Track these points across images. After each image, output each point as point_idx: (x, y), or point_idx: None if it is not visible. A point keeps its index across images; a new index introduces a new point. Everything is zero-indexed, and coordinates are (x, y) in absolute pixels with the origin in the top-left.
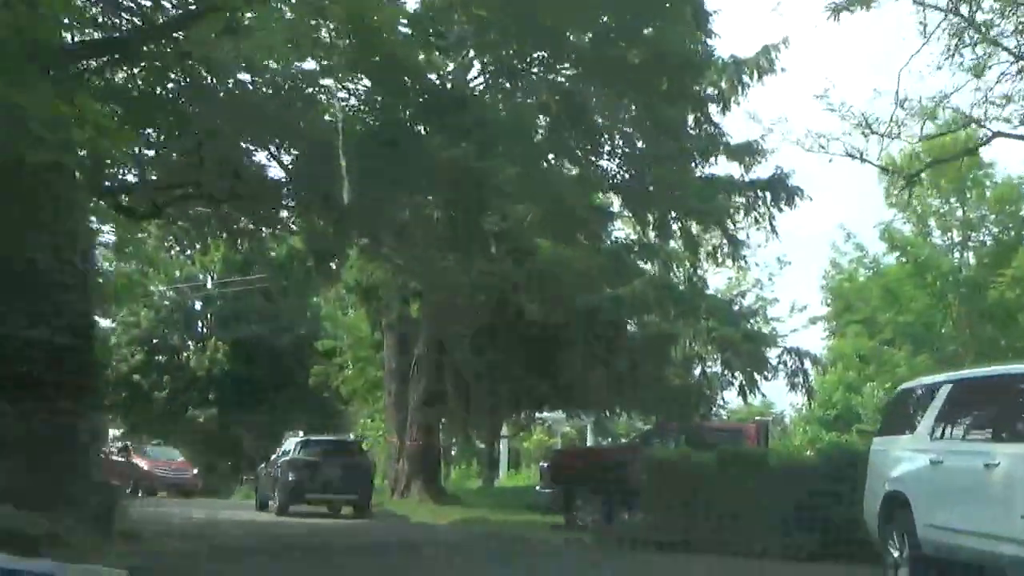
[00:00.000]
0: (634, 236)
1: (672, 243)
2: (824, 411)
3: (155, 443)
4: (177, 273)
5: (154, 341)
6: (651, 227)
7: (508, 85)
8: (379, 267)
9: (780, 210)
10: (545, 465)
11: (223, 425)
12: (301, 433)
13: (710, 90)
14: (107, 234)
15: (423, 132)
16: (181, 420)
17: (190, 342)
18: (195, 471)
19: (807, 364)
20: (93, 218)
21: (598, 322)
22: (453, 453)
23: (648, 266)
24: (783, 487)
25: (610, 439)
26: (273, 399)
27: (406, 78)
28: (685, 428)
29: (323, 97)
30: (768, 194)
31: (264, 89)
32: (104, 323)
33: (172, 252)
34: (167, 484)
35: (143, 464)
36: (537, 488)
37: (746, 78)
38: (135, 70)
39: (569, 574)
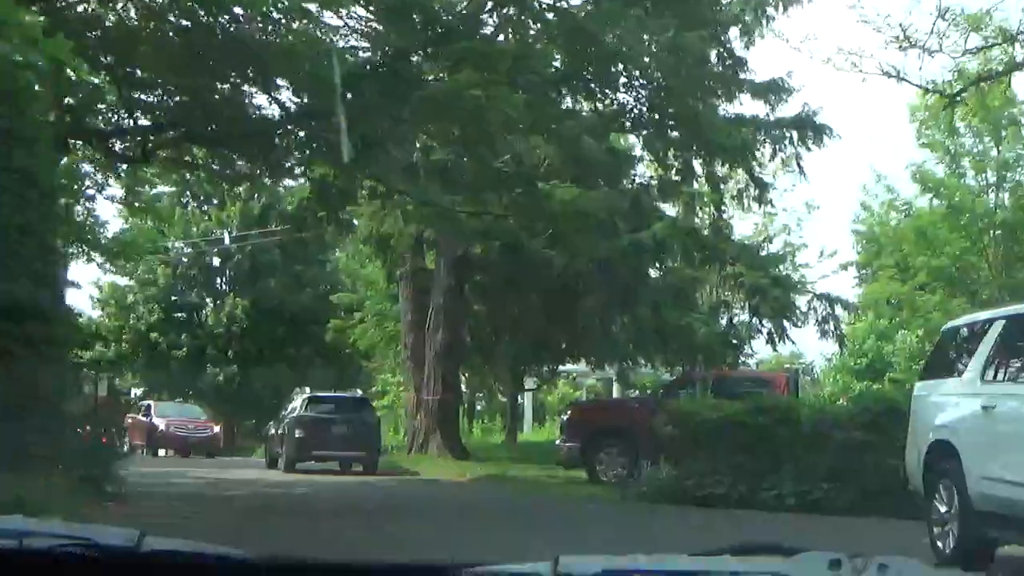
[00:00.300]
0: (655, 179)
1: (695, 185)
2: (855, 360)
3: (176, 401)
4: (194, 229)
5: (173, 299)
6: (673, 170)
7: (516, 13)
8: (391, 214)
9: (808, 149)
10: (564, 418)
11: (243, 383)
12: (308, 390)
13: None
14: (113, 186)
15: (425, 63)
16: (200, 378)
17: (209, 299)
18: (216, 429)
19: (838, 310)
20: (83, 166)
21: (618, 268)
22: (478, 408)
23: (671, 207)
24: (815, 438)
25: (636, 391)
26: (294, 356)
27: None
28: (711, 378)
29: (322, 32)
30: (795, 133)
31: (259, 23)
32: (124, 281)
33: (184, 202)
34: (187, 443)
35: (161, 423)
36: (557, 442)
37: (770, 9)
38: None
39: (588, 531)
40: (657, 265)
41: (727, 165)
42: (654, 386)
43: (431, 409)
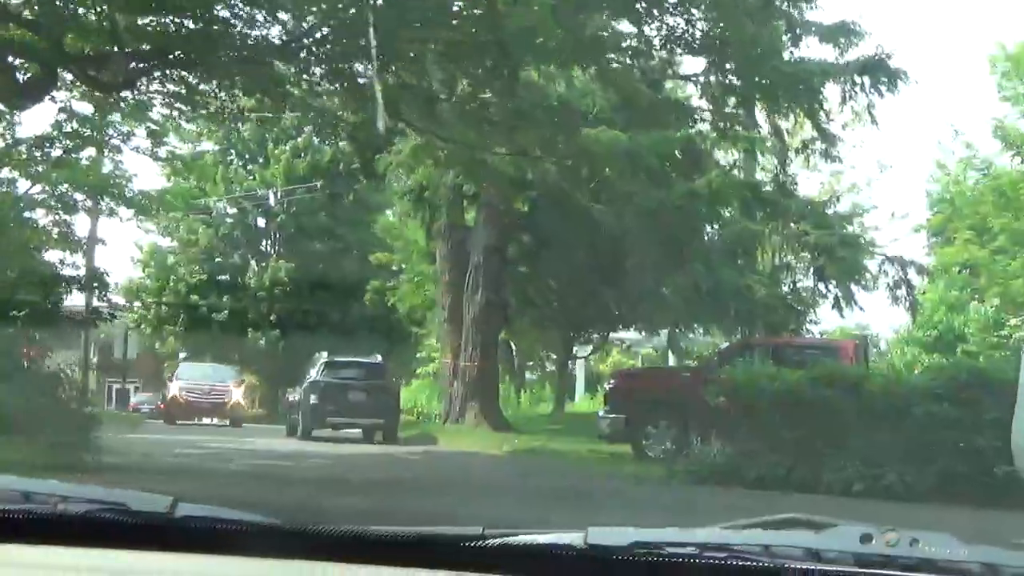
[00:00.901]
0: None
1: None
2: (924, 332)
3: (207, 362)
4: (237, 189)
5: (216, 260)
6: (731, 123)
7: None
8: (422, 161)
9: (881, 95)
10: (608, 387)
11: (287, 348)
12: (325, 354)
13: None
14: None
15: None
16: (242, 343)
17: (252, 261)
18: (237, 394)
19: (911, 274)
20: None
21: (669, 222)
22: (531, 376)
23: (729, 158)
24: (889, 412)
25: (694, 360)
26: (339, 320)
27: None
28: (771, 345)
29: None
30: (866, 79)
31: None
32: (165, 242)
33: (229, 160)
34: (198, 409)
35: (174, 388)
36: (600, 414)
37: None
38: None
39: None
40: (713, 220)
41: (791, 114)
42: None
43: (469, 376)
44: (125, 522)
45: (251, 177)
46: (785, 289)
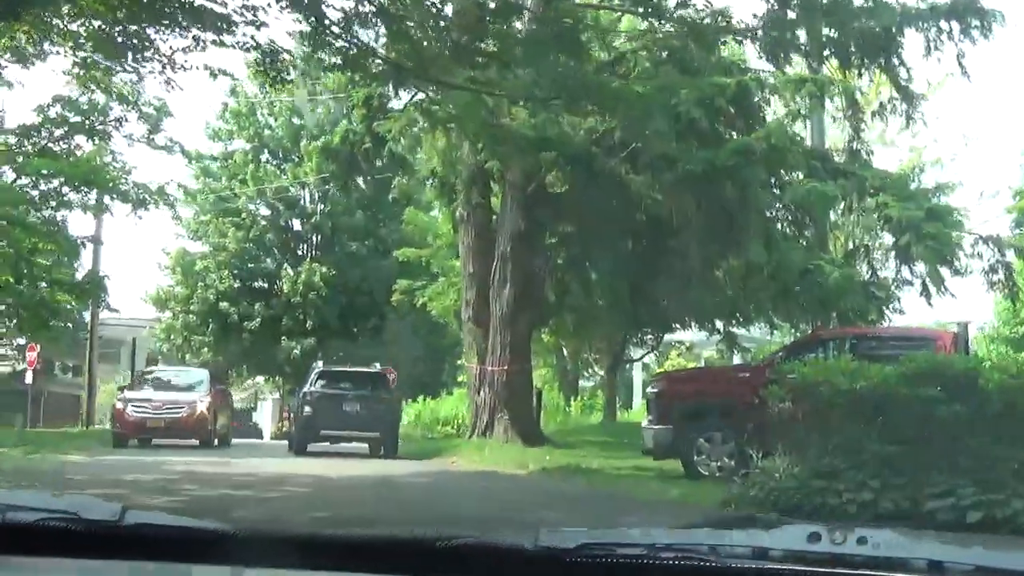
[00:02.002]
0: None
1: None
2: (1010, 329)
3: (176, 368)
4: (268, 189)
5: (248, 264)
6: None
7: None
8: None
9: (973, 41)
10: (651, 393)
11: (324, 357)
12: (320, 363)
13: None
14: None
15: None
16: (275, 352)
17: (285, 266)
18: (203, 405)
19: (1009, 256)
20: None
21: (721, 190)
22: (586, 383)
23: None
24: (1013, 420)
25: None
26: (377, 326)
27: None
28: (850, 336)
29: None
30: (954, 24)
31: None
32: (196, 247)
33: (260, 157)
34: (147, 427)
35: (117, 403)
36: (643, 425)
37: None
38: None
39: None
40: (773, 185)
41: (864, 70)
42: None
43: (497, 382)
44: (75, 530)
45: (283, 175)
46: (863, 272)
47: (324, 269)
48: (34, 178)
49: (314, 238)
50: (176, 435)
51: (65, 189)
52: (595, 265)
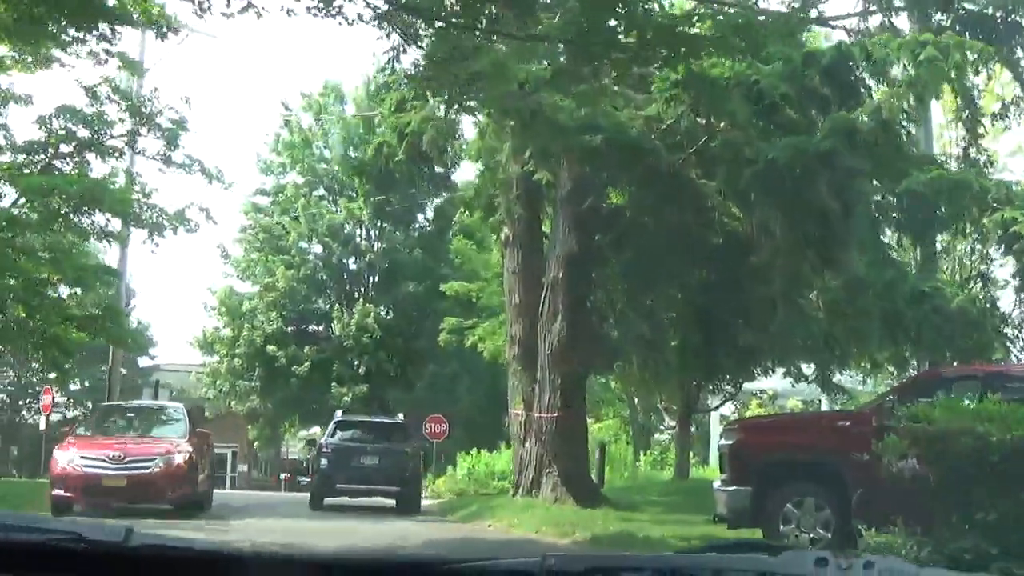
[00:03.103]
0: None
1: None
2: None
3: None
4: (321, 226)
5: (300, 306)
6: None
7: None
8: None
9: None
10: (723, 446)
11: (378, 403)
12: (339, 413)
13: None
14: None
15: None
16: (325, 398)
17: (337, 306)
18: (179, 458)
19: None
20: None
21: (812, 185)
22: (661, 435)
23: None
24: None
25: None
26: (436, 372)
27: None
28: (979, 374)
29: None
30: None
31: None
32: (244, 287)
33: (312, 192)
34: (101, 488)
35: (59, 459)
36: (715, 486)
37: None
38: None
39: None
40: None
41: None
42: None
43: (545, 431)
44: (80, 551)
45: (337, 211)
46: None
47: (378, 310)
48: (32, 199)
49: (369, 278)
50: (144, 497)
51: (66, 210)
52: (661, 295)
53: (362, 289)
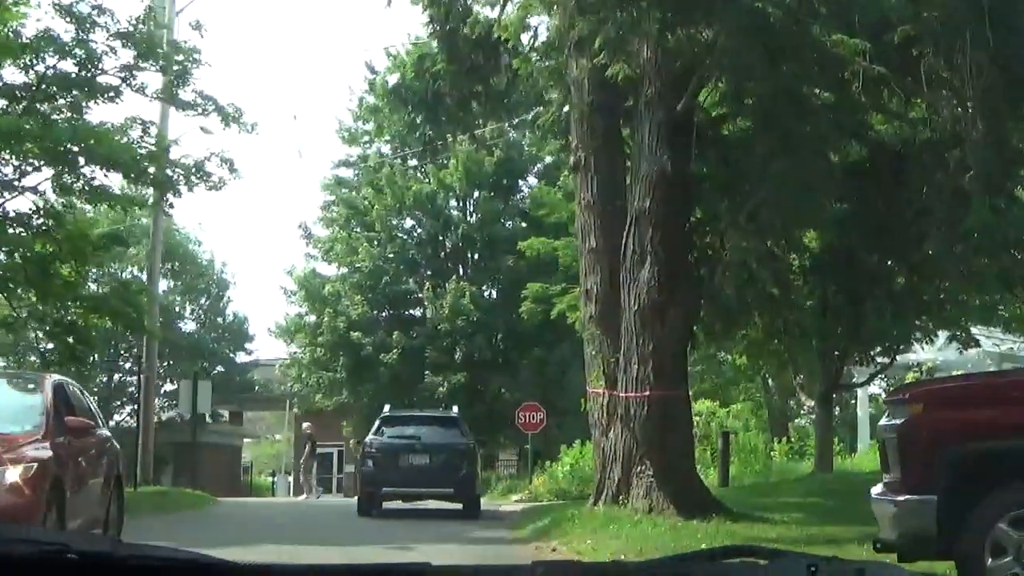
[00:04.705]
0: None
1: None
2: None
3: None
4: (408, 197)
5: (387, 287)
6: None
7: None
8: None
9: None
10: (888, 427)
11: (478, 394)
12: (387, 407)
13: None
14: None
15: None
16: (419, 389)
17: (428, 284)
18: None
19: None
20: None
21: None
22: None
23: None
24: None
25: None
26: (541, 356)
27: None
28: None
29: None
30: None
31: None
32: (329, 270)
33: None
34: None
35: None
36: (876, 493)
37: None
38: None
39: None
40: None
41: None
42: None
43: (635, 416)
44: (67, 563)
45: (425, 179)
46: None
47: (475, 290)
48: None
49: (465, 253)
50: None
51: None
52: (789, 231)
53: (458, 266)
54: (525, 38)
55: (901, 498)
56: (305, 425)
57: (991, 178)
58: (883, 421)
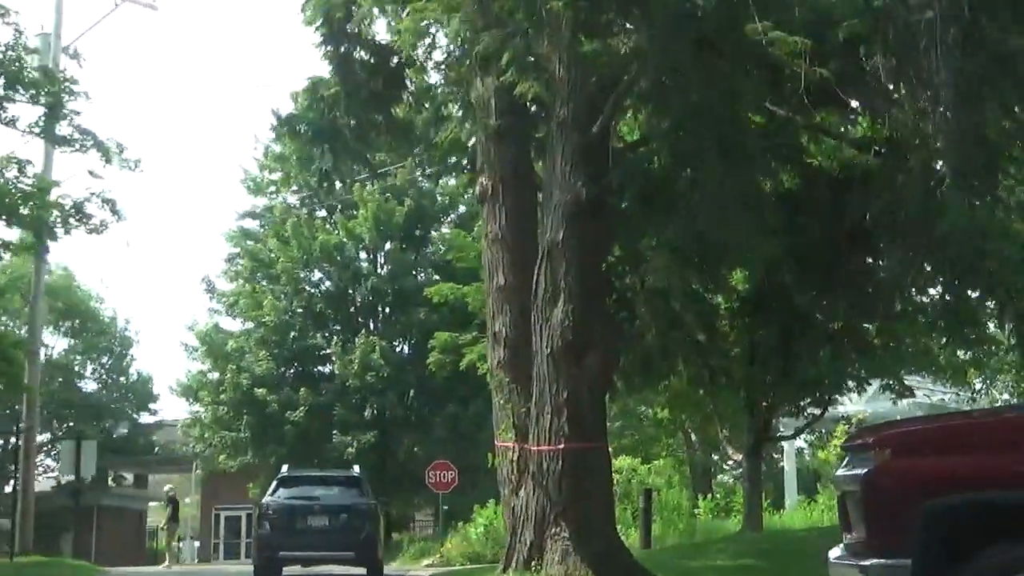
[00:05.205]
0: None
1: None
2: None
3: None
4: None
5: (295, 343)
6: None
7: None
8: None
9: None
10: (845, 479)
11: (388, 454)
12: (285, 467)
13: None
14: None
15: None
16: (326, 448)
17: (336, 339)
18: None
19: None
20: None
21: None
22: (724, 476)
23: None
24: None
25: None
26: (455, 413)
27: None
28: None
29: None
30: None
31: None
32: (235, 325)
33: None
34: None
35: None
36: (833, 557)
37: None
38: None
39: None
40: None
41: None
42: None
43: (548, 472)
44: None
45: (334, 231)
46: None
47: (386, 344)
48: None
49: (375, 308)
50: None
51: None
52: (714, 266)
53: (368, 321)
54: (429, 53)
55: (867, 562)
56: (167, 487)
57: (968, 175)
58: (841, 471)
